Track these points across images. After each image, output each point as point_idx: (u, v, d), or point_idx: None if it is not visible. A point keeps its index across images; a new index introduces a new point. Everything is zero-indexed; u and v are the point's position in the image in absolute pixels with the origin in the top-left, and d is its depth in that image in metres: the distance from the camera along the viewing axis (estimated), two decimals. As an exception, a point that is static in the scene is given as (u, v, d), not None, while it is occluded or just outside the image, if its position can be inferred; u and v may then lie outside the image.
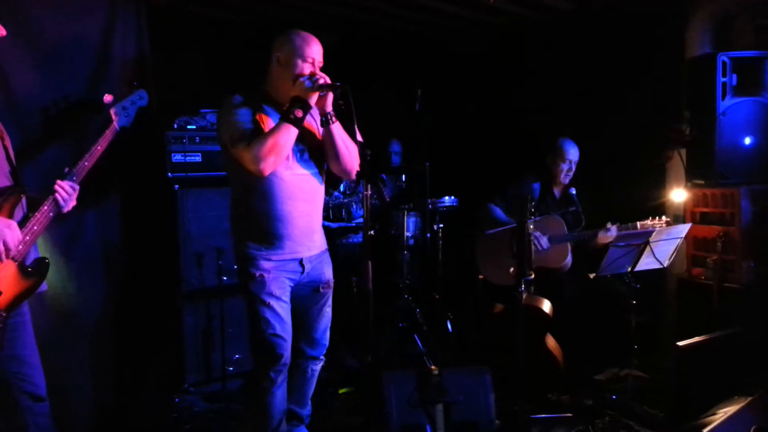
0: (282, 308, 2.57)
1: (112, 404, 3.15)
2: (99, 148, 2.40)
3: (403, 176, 4.71)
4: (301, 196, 2.58)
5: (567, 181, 3.95)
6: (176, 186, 3.57)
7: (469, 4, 4.20)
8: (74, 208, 2.33)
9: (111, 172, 2.98)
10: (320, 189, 2.70)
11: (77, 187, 2.31)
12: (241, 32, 4.38)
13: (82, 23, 3.00)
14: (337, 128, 2.56)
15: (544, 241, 3.68)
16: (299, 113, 2.42)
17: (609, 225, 3.61)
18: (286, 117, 2.43)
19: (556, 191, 3.99)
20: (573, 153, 3.91)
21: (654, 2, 3.96)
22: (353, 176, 2.67)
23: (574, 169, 3.94)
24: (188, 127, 3.64)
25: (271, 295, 2.53)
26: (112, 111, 2.50)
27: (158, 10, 3.60)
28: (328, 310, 2.80)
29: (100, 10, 3.07)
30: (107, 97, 2.54)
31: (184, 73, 3.85)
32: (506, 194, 3.96)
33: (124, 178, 3.17)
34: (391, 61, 5.22)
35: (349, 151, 2.59)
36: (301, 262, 2.61)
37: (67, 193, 2.27)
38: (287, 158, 2.51)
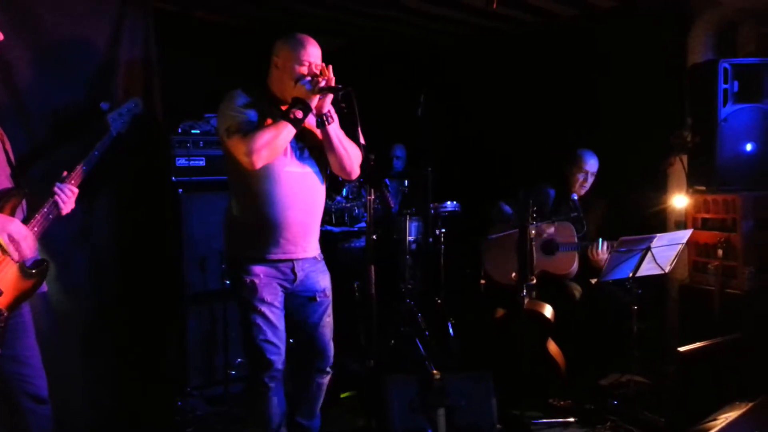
0: (274, 314, 2.53)
1: (115, 407, 3.16)
2: (96, 153, 2.49)
3: (406, 181, 4.73)
4: (300, 194, 2.54)
5: (583, 191, 3.94)
6: (180, 190, 3.58)
7: (474, 10, 4.22)
8: (79, 210, 2.41)
9: (115, 176, 3.01)
10: (320, 187, 2.65)
11: (76, 190, 2.38)
12: (246, 38, 4.40)
13: (91, 28, 3.02)
14: (333, 129, 2.54)
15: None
16: (299, 114, 2.43)
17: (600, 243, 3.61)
18: (285, 116, 2.43)
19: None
20: (591, 164, 3.92)
21: (656, 9, 3.98)
22: (353, 177, 2.66)
23: (591, 180, 3.94)
24: (192, 131, 3.65)
25: (262, 301, 2.51)
26: (108, 117, 2.60)
27: (164, 15, 3.62)
28: (328, 320, 2.72)
29: (109, 15, 3.09)
30: (104, 105, 2.65)
31: (188, 78, 3.87)
32: (518, 198, 3.95)
33: (128, 181, 3.19)
34: (395, 66, 5.24)
35: (347, 152, 2.58)
36: (293, 268, 2.57)
37: (66, 195, 2.34)
38: (286, 155, 2.50)
